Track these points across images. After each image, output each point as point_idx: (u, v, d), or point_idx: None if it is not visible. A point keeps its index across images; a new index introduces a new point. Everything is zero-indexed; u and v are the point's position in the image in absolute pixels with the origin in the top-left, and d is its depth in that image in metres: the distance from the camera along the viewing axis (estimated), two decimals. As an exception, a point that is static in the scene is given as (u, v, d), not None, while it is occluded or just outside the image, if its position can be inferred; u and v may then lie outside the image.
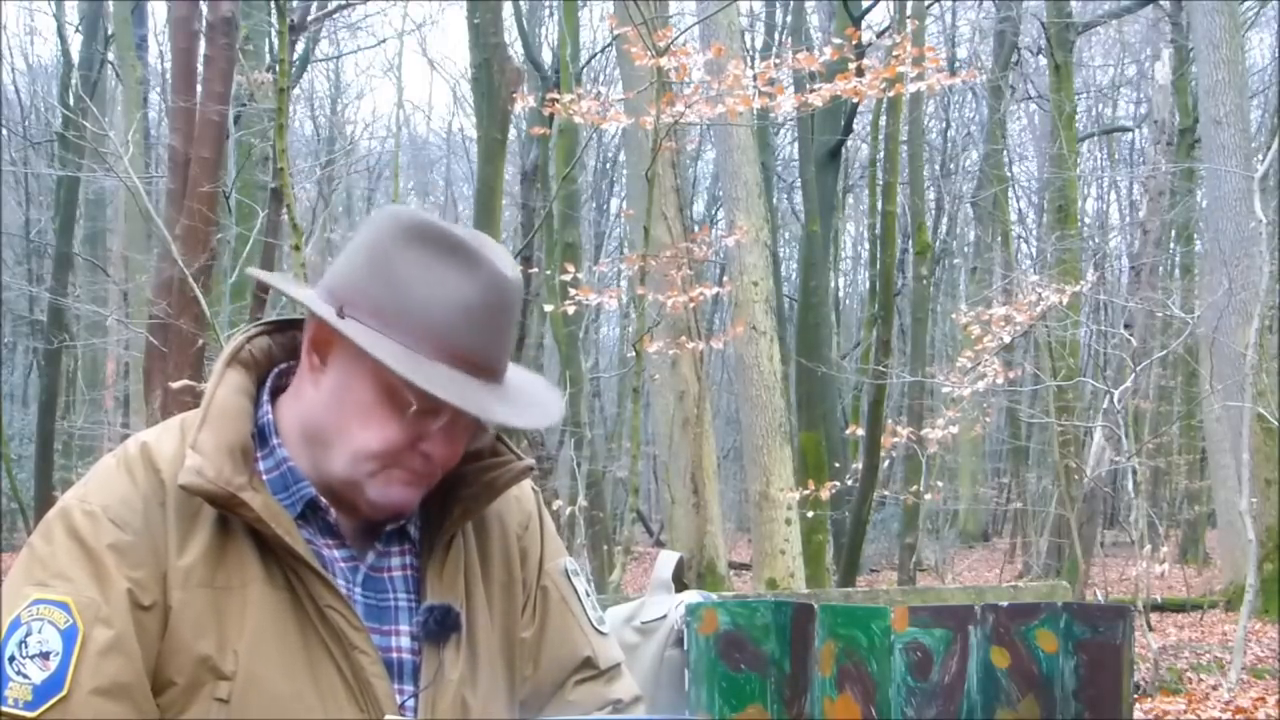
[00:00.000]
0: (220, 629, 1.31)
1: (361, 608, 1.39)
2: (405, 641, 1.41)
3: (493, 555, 1.51)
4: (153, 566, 1.32)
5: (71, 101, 16.78)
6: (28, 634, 1.27)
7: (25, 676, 1.25)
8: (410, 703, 1.38)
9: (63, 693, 1.25)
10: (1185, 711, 7.42)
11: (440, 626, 1.40)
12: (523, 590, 1.53)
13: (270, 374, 1.46)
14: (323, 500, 1.40)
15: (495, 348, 1.38)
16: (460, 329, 1.35)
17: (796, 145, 20.62)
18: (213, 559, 1.33)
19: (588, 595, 1.59)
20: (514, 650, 1.50)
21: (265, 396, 1.44)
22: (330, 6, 11.93)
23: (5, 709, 1.25)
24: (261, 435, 1.42)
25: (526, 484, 1.59)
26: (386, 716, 1.34)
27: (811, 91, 8.70)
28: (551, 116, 10.95)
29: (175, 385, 7.22)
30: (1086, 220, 23.74)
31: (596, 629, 1.57)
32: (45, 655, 1.26)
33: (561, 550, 1.61)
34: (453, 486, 1.48)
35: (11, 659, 1.26)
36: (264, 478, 1.39)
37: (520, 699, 1.50)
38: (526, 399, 1.41)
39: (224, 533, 1.35)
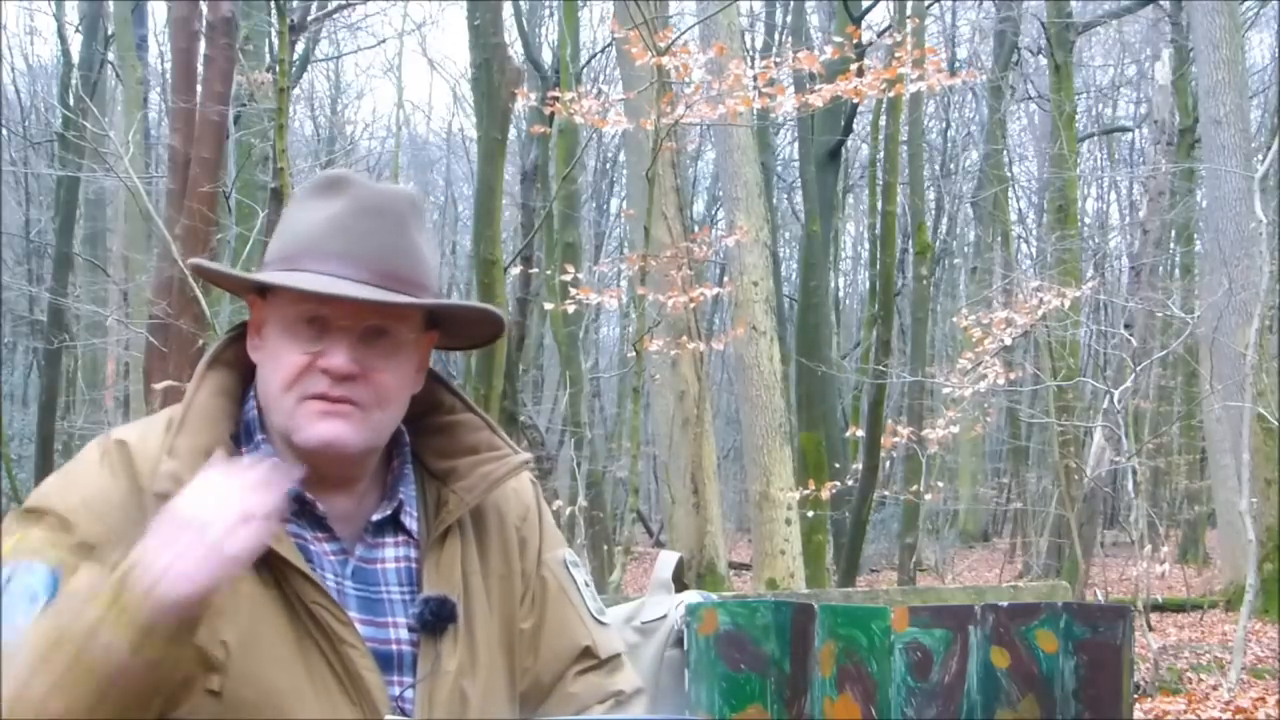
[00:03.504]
0: (209, 622, 1.31)
1: (355, 600, 1.39)
2: (404, 633, 1.41)
3: (491, 547, 1.52)
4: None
5: (71, 101, 16.75)
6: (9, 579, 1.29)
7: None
8: (408, 694, 1.38)
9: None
10: (1185, 711, 7.42)
11: (436, 617, 1.40)
12: (521, 581, 1.53)
13: (254, 372, 1.47)
14: (307, 494, 1.41)
15: (372, 248, 1.39)
16: (328, 236, 1.39)
17: (796, 145, 20.63)
18: None
19: (587, 586, 1.60)
20: (514, 641, 1.50)
21: (251, 394, 1.45)
22: (330, 6, 11.92)
23: None
24: (247, 432, 1.44)
25: (525, 476, 1.60)
26: (386, 717, 1.34)
27: (812, 92, 8.70)
28: (551, 116, 10.95)
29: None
30: (1086, 220, 23.74)
31: (596, 619, 1.57)
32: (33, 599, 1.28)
33: (561, 541, 1.61)
34: (448, 478, 1.49)
35: None
36: None
37: (521, 690, 1.50)
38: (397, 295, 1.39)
39: None
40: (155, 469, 1.35)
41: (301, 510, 1.41)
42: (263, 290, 1.43)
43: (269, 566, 1.35)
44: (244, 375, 1.46)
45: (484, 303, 1.55)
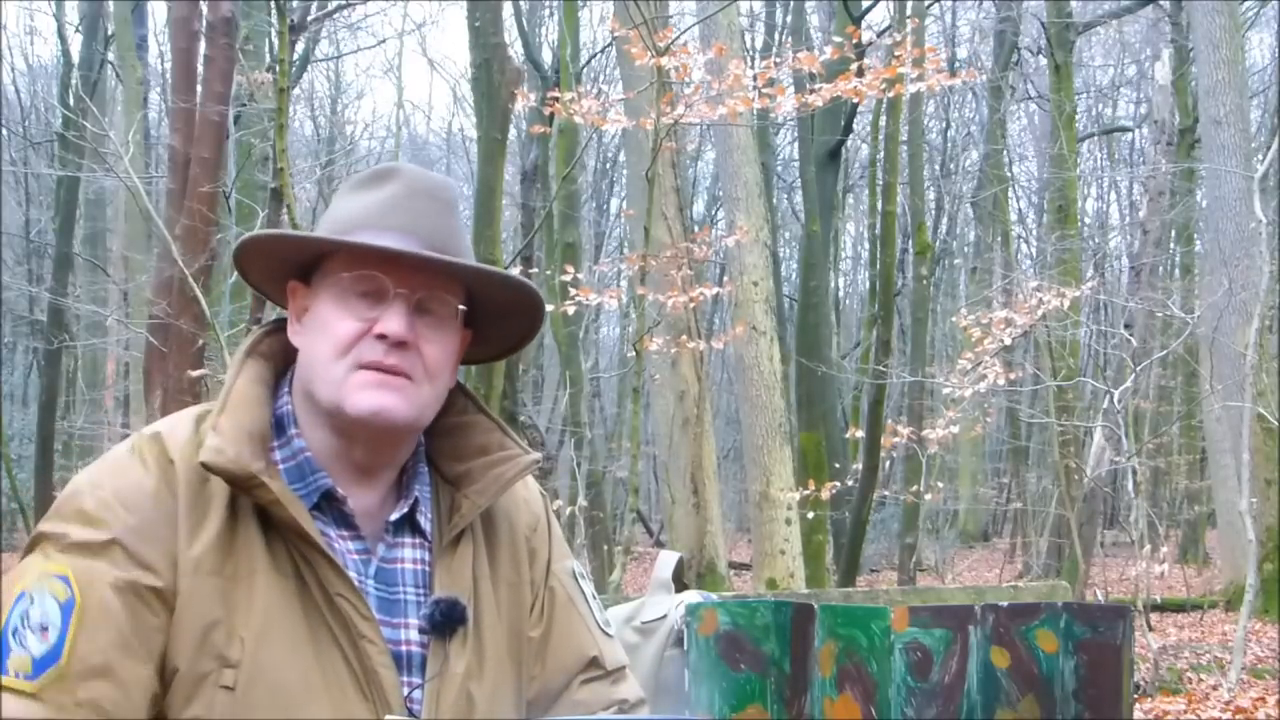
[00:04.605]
0: (227, 617, 1.32)
1: (374, 600, 1.40)
2: (414, 634, 1.42)
3: (501, 554, 1.53)
4: (162, 552, 1.32)
5: (71, 101, 16.76)
6: (30, 605, 1.29)
7: (25, 648, 1.27)
8: (416, 694, 1.39)
9: (60, 664, 1.27)
10: (1185, 711, 7.42)
11: (446, 619, 1.41)
12: (530, 590, 1.55)
13: (290, 367, 1.48)
14: (338, 490, 1.42)
15: (428, 225, 1.43)
16: (383, 214, 1.43)
17: (796, 145, 20.64)
18: (222, 548, 1.34)
19: (594, 597, 1.61)
20: (521, 648, 1.51)
21: (285, 388, 1.47)
22: (330, 6, 11.93)
23: (6, 679, 1.26)
24: (279, 425, 1.44)
25: (535, 486, 1.62)
26: (388, 717, 1.35)
27: (812, 92, 8.70)
28: (551, 116, 10.94)
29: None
30: (1086, 220, 23.76)
31: (603, 630, 1.59)
32: (44, 628, 1.28)
33: (568, 553, 1.63)
34: (461, 482, 1.50)
35: (15, 631, 1.28)
36: (280, 467, 1.41)
37: (528, 698, 1.51)
38: (464, 262, 1.44)
39: (233, 521, 1.36)
40: (188, 453, 1.36)
41: (329, 506, 1.42)
42: (305, 278, 1.45)
43: (289, 555, 1.36)
44: (278, 369, 1.48)
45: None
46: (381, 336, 1.38)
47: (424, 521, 1.47)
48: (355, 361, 1.39)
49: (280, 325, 1.49)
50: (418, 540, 1.47)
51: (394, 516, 1.45)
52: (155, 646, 1.31)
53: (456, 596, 1.42)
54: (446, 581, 1.44)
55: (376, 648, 1.36)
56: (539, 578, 1.56)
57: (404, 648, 1.40)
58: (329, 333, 1.40)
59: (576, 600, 1.57)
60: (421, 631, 1.41)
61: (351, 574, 1.38)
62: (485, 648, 1.45)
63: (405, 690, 1.38)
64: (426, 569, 1.45)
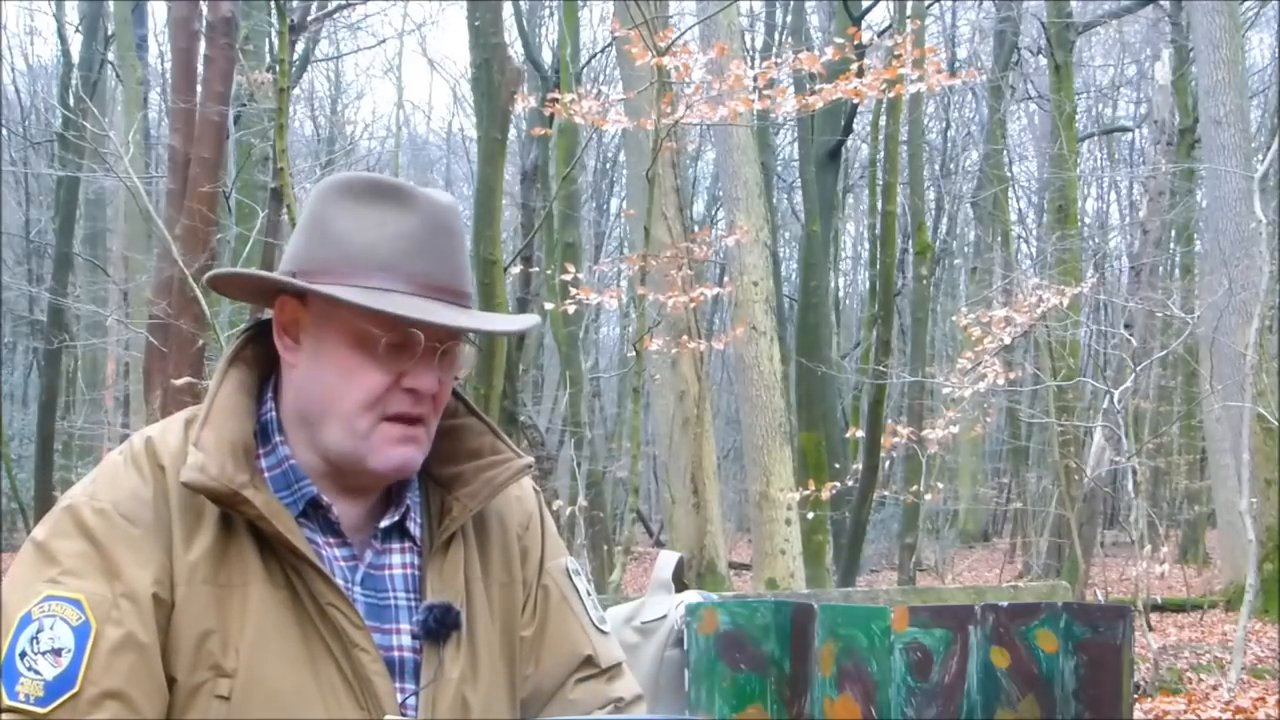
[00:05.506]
0: (222, 626, 1.32)
1: (362, 606, 1.39)
2: (406, 640, 1.41)
3: (493, 554, 1.52)
4: (161, 562, 1.32)
5: (71, 101, 16.77)
6: (39, 630, 1.27)
7: (37, 673, 1.25)
8: (411, 701, 1.39)
9: (74, 689, 1.25)
10: (1185, 711, 7.41)
11: (440, 625, 1.40)
12: (523, 589, 1.54)
13: (273, 372, 1.46)
14: (324, 498, 1.41)
15: (448, 269, 1.39)
16: (409, 255, 1.37)
17: (796, 145, 20.63)
18: (216, 556, 1.34)
19: (589, 595, 1.60)
20: (515, 649, 1.50)
21: (269, 394, 1.45)
22: (330, 6, 11.92)
23: (16, 704, 1.24)
24: (264, 432, 1.43)
25: (527, 483, 1.60)
26: (386, 717, 1.35)
27: (812, 92, 8.71)
28: (551, 116, 10.94)
29: (178, 382, 7.24)
30: (1086, 220, 23.75)
31: (598, 628, 1.58)
32: (57, 652, 1.26)
33: (562, 550, 1.61)
34: (452, 485, 1.49)
35: (23, 655, 1.26)
36: (265, 475, 1.40)
37: (521, 698, 1.51)
38: (495, 320, 1.44)
39: (226, 530, 1.35)
40: (179, 462, 1.35)
41: (315, 513, 1.41)
42: (300, 292, 1.41)
43: (281, 566, 1.35)
44: (262, 375, 1.46)
45: (484, 303, 1.55)
46: (412, 390, 1.37)
47: (413, 527, 1.46)
48: (382, 413, 1.37)
49: (263, 329, 1.46)
50: (407, 545, 1.46)
51: (384, 524, 1.44)
52: (163, 660, 1.30)
53: (450, 602, 1.42)
54: (438, 586, 1.43)
55: (369, 656, 1.36)
56: (531, 577, 1.55)
57: (396, 654, 1.40)
58: (354, 383, 1.37)
59: (570, 598, 1.56)
60: (415, 638, 1.41)
61: (339, 581, 1.37)
62: (479, 651, 1.44)
63: (399, 697, 1.38)
64: (416, 573, 1.44)
